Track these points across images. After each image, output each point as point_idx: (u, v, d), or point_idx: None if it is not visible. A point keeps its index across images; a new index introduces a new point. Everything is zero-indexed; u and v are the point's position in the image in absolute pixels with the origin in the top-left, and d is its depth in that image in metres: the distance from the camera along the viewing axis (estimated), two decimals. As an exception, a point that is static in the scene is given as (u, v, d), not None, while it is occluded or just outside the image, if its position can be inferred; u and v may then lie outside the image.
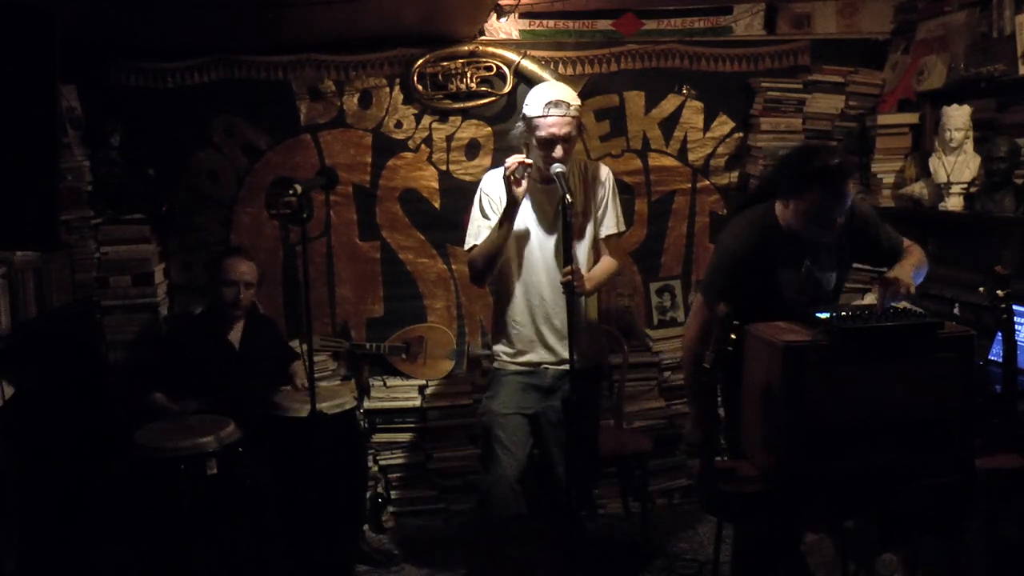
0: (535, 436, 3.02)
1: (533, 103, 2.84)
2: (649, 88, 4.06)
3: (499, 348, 3.10)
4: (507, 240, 2.90)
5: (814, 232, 2.56)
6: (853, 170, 2.58)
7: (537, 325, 3.00)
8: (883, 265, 2.70)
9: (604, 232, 3.05)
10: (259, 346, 3.59)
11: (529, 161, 2.82)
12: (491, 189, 2.97)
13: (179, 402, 3.39)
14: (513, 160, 2.79)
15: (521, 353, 3.03)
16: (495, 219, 2.93)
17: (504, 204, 2.87)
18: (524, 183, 2.82)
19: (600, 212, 3.03)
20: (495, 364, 3.13)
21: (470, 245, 2.99)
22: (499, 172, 2.90)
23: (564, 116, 2.79)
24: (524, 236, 2.98)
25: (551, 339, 3.00)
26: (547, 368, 3.01)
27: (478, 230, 2.97)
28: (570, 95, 2.85)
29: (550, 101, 2.80)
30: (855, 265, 2.98)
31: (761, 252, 2.63)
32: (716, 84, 4.07)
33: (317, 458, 3.11)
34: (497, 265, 2.96)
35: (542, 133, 2.81)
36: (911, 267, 2.58)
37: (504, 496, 2.92)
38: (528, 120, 2.85)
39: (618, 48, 4.00)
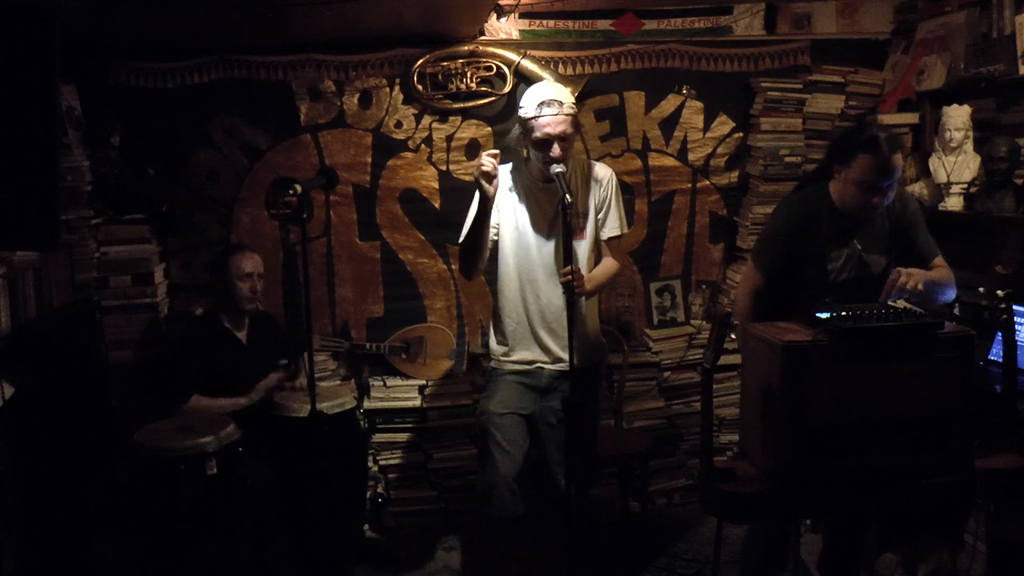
0: (532, 436, 3.02)
1: (527, 105, 2.84)
2: (649, 88, 4.06)
3: (495, 346, 3.11)
4: (483, 236, 2.92)
5: (862, 204, 2.65)
6: (900, 143, 2.67)
7: (533, 324, 3.00)
8: (916, 265, 2.74)
9: (606, 233, 3.04)
10: (265, 341, 3.61)
11: (496, 152, 2.82)
12: None
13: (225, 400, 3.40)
14: (483, 161, 2.78)
15: (516, 351, 3.03)
16: (496, 215, 2.95)
17: (498, 204, 2.90)
18: (496, 180, 2.83)
19: (602, 213, 3.03)
20: (491, 363, 3.13)
21: (461, 239, 3.02)
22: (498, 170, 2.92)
23: (558, 115, 2.79)
24: (523, 235, 2.98)
25: (547, 339, 3.00)
26: (542, 368, 3.01)
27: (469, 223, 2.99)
28: (563, 94, 2.85)
29: (543, 101, 2.80)
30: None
31: (812, 225, 2.74)
32: (716, 84, 4.07)
33: (317, 458, 3.11)
34: (478, 260, 2.99)
35: (537, 134, 2.81)
36: (928, 276, 2.64)
37: (502, 497, 2.92)
38: (523, 121, 2.85)
39: (618, 48, 4.00)
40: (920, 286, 2.50)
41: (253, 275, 3.48)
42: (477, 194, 2.96)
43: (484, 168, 2.78)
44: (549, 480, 3.01)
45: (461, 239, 3.02)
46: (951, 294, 2.77)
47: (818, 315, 2.32)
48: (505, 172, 3.02)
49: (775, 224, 2.92)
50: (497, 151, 2.85)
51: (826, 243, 2.74)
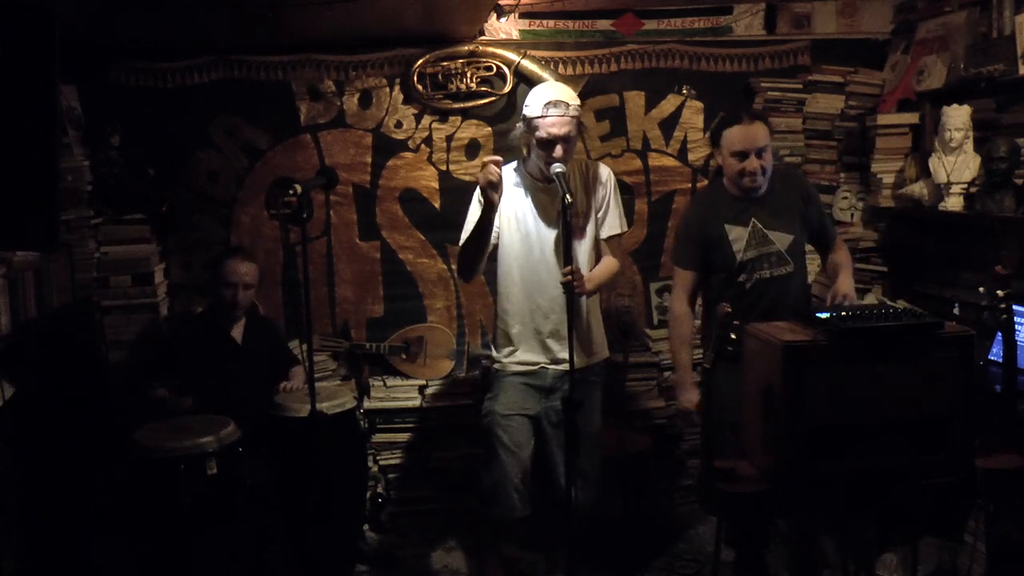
0: (537, 437, 3.02)
1: (532, 103, 2.84)
2: (649, 88, 4.06)
3: (498, 348, 3.10)
4: (486, 242, 2.92)
5: (740, 172, 2.89)
6: (762, 115, 3.03)
7: (536, 325, 3.00)
8: (820, 247, 3.12)
9: (606, 233, 3.04)
10: (260, 345, 3.60)
11: (499, 159, 2.82)
12: None
13: (179, 397, 3.39)
14: (491, 171, 2.77)
15: (519, 353, 3.03)
16: (495, 217, 2.94)
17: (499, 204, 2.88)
18: (501, 187, 2.82)
19: (601, 213, 3.03)
20: (495, 365, 3.13)
21: (463, 241, 3.02)
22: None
23: (563, 116, 2.80)
24: (524, 236, 2.98)
25: (549, 339, 3.00)
26: (546, 368, 3.01)
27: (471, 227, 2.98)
28: (569, 95, 2.86)
29: (549, 101, 2.80)
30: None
31: (712, 211, 3.00)
32: (716, 84, 4.07)
33: (317, 458, 3.11)
34: (478, 263, 3.00)
35: (541, 133, 2.81)
36: (846, 281, 2.94)
37: (508, 498, 2.93)
38: (528, 120, 2.85)
39: (618, 48, 4.00)
40: (851, 292, 2.84)
41: (239, 285, 3.48)
42: (476, 198, 2.97)
43: (491, 178, 2.77)
44: (553, 480, 3.01)
45: (461, 242, 3.02)
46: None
47: (818, 315, 2.32)
48: (506, 172, 3.02)
49: (682, 223, 3.18)
50: (500, 158, 2.85)
51: (725, 224, 2.95)
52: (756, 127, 2.87)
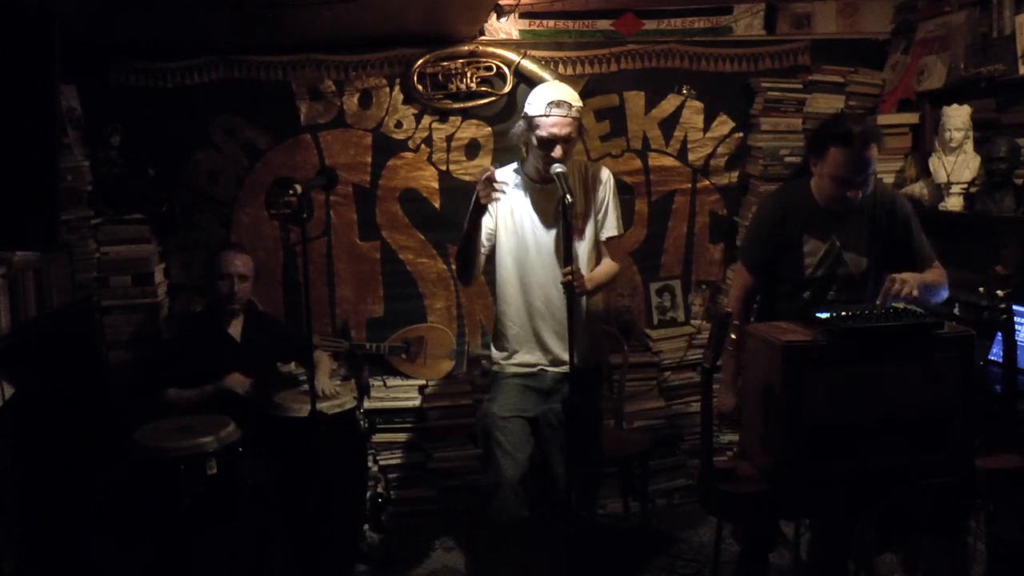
0: (536, 438, 3.02)
1: (535, 102, 2.84)
2: (649, 88, 4.06)
3: (497, 349, 3.10)
4: (475, 242, 2.92)
5: (837, 197, 2.65)
6: (875, 136, 2.62)
7: (535, 326, 3.00)
8: (901, 268, 2.70)
9: (605, 234, 3.04)
10: (260, 341, 3.59)
11: (504, 182, 2.81)
12: None
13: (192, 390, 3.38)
14: (497, 188, 2.77)
15: (518, 354, 3.03)
16: (487, 220, 2.95)
17: (496, 205, 2.90)
18: (496, 195, 2.81)
19: (601, 214, 3.03)
20: (494, 367, 3.13)
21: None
22: (497, 172, 2.93)
23: (565, 116, 2.80)
24: (522, 237, 2.98)
25: (549, 340, 3.00)
26: (545, 370, 3.01)
27: None
28: (572, 96, 2.86)
29: (552, 101, 2.80)
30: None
31: (791, 216, 2.76)
32: (716, 84, 4.07)
33: (317, 458, 3.11)
34: (473, 267, 3.00)
35: (542, 133, 2.81)
36: (922, 279, 2.61)
37: (506, 499, 2.92)
38: (529, 119, 2.85)
39: (618, 48, 4.00)
40: (915, 291, 2.48)
41: (233, 276, 3.48)
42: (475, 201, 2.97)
43: (495, 196, 2.78)
44: (552, 482, 3.01)
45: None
46: (944, 294, 2.76)
47: (818, 315, 2.32)
48: (505, 173, 3.02)
49: (757, 219, 2.96)
50: (504, 183, 2.86)
51: (804, 233, 2.74)
52: (869, 154, 2.57)
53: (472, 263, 2.99)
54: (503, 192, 2.82)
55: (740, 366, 2.77)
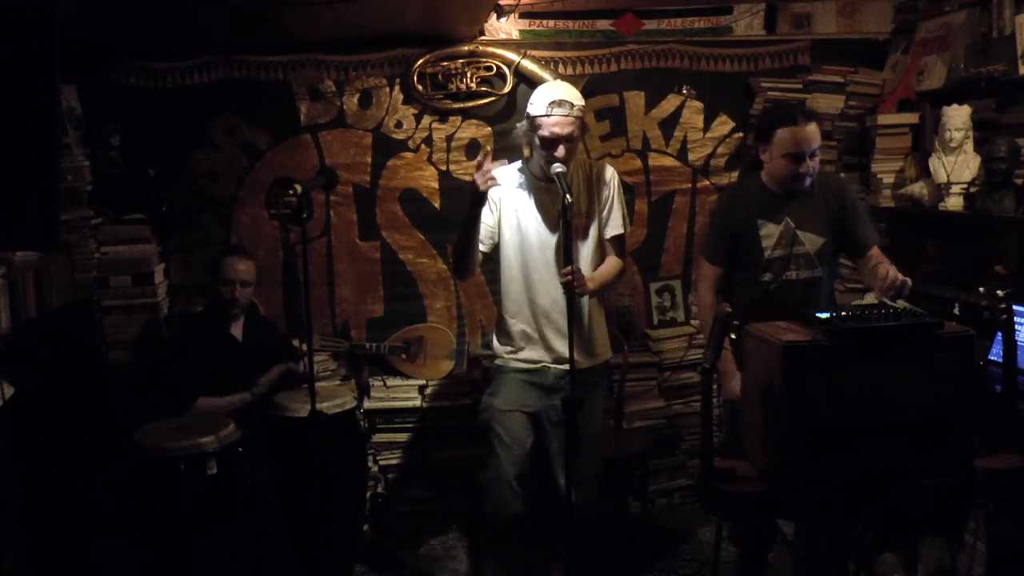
0: (536, 435, 3.01)
1: (538, 102, 2.84)
2: (649, 88, 4.06)
3: (500, 345, 3.10)
4: (474, 235, 2.93)
5: (791, 174, 2.82)
6: (815, 115, 2.90)
7: (538, 324, 3.00)
8: (852, 253, 3.00)
9: (609, 233, 3.04)
10: (260, 343, 3.60)
11: (482, 157, 2.81)
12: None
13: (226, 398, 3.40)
14: (486, 174, 2.77)
15: (521, 350, 3.03)
16: (488, 219, 2.95)
17: (500, 203, 2.91)
18: (491, 182, 2.81)
19: (605, 213, 3.03)
20: (496, 361, 3.13)
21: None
22: (497, 172, 2.93)
23: (568, 116, 2.80)
24: (526, 236, 2.98)
25: (552, 338, 2.99)
26: (548, 368, 3.01)
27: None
28: (574, 95, 2.86)
29: (554, 100, 2.80)
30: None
31: (745, 204, 2.95)
32: (716, 84, 4.07)
33: (317, 458, 3.11)
34: (470, 258, 2.99)
35: (545, 132, 2.81)
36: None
37: (502, 494, 2.92)
38: (532, 119, 2.85)
39: (618, 48, 4.00)
40: (910, 283, 2.65)
41: (236, 282, 3.48)
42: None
43: (490, 183, 2.78)
44: (553, 480, 3.00)
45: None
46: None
47: (818, 315, 2.32)
48: (509, 172, 3.02)
49: (713, 214, 3.14)
50: (495, 168, 2.87)
51: (758, 219, 2.90)
52: (811, 128, 2.78)
53: (468, 257, 2.98)
54: (496, 181, 2.80)
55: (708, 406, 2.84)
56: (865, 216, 2.99)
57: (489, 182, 2.77)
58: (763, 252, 2.89)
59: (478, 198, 2.82)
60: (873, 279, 2.75)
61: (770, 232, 2.89)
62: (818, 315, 2.32)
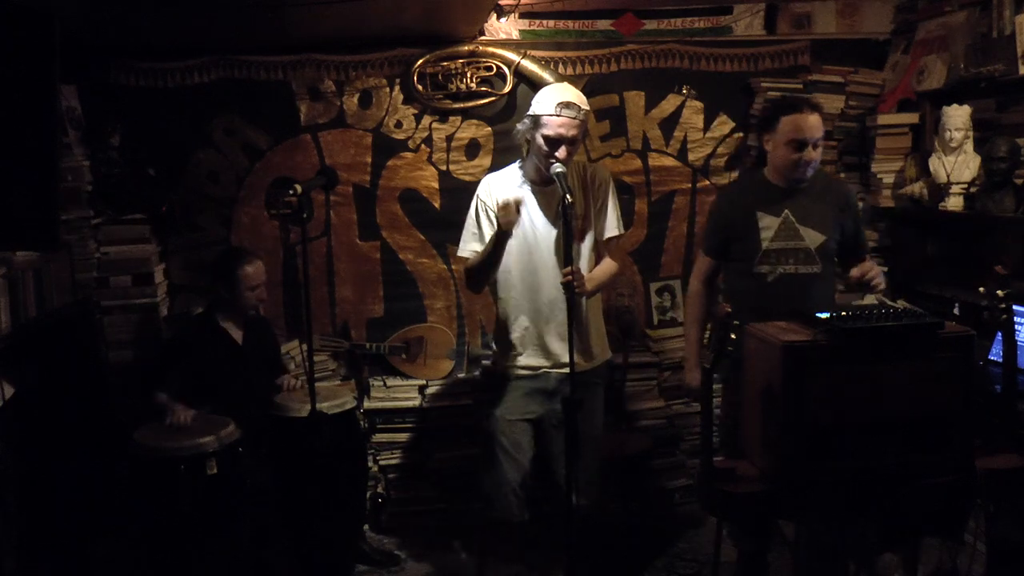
0: (538, 439, 3.01)
1: (544, 101, 2.83)
2: (649, 88, 4.06)
3: (500, 350, 3.09)
4: (495, 267, 2.93)
5: (794, 162, 2.85)
6: (818, 105, 2.95)
7: (538, 327, 2.99)
8: (844, 256, 3.01)
9: (605, 234, 3.04)
10: (259, 344, 3.59)
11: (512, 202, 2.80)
12: (487, 196, 2.97)
13: (184, 408, 3.31)
14: (510, 212, 2.77)
15: (522, 357, 3.02)
16: (487, 228, 2.94)
17: (496, 217, 2.88)
18: (516, 217, 2.80)
19: (600, 215, 3.03)
20: (496, 367, 3.12)
21: (462, 252, 3.03)
22: (496, 177, 2.98)
23: (574, 119, 2.80)
24: (524, 238, 2.97)
25: (552, 342, 2.99)
26: (549, 372, 3.00)
27: (472, 237, 2.99)
28: (581, 99, 2.86)
29: (562, 102, 2.80)
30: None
31: (744, 200, 2.99)
32: (716, 84, 4.07)
33: (317, 458, 3.11)
34: (486, 283, 3.04)
35: (550, 132, 2.80)
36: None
37: (507, 502, 2.93)
38: (536, 118, 2.84)
39: (618, 48, 4.00)
40: (884, 284, 2.84)
41: (261, 285, 3.48)
42: (475, 206, 2.98)
43: (515, 221, 2.78)
44: (554, 482, 3.00)
45: (461, 252, 3.02)
46: None
47: (818, 315, 2.32)
48: (506, 173, 3.02)
49: (712, 207, 3.20)
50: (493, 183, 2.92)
51: (757, 211, 2.93)
52: (815, 117, 2.83)
53: (486, 280, 3.03)
54: (519, 216, 2.81)
55: (702, 340, 3.13)
56: (863, 229, 3.10)
57: (514, 221, 2.78)
58: (761, 243, 2.91)
59: (503, 236, 2.82)
60: (855, 275, 2.86)
61: (769, 224, 2.91)
62: (818, 315, 2.32)
